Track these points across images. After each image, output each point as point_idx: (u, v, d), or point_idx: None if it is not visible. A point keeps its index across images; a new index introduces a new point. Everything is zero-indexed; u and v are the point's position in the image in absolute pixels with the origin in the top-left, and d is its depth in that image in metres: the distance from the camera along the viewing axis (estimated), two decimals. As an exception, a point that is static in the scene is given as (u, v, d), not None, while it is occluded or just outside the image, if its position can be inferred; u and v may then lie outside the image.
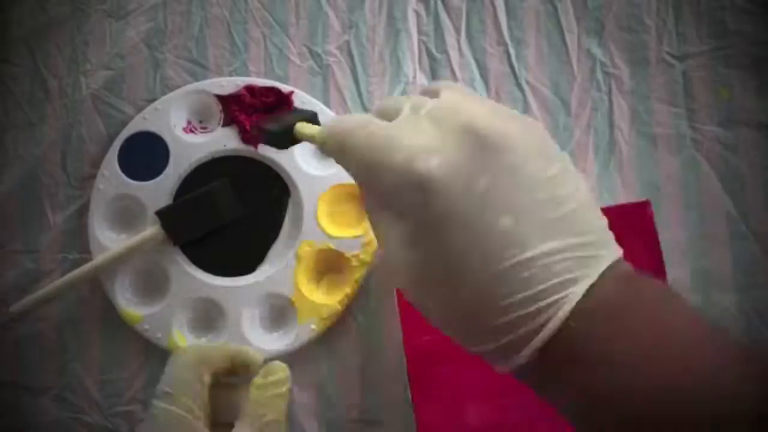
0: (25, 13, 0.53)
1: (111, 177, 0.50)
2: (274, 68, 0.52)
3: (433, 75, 0.52)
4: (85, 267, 0.49)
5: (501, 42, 0.52)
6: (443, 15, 0.52)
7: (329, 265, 0.50)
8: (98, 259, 0.49)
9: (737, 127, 0.50)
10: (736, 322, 0.48)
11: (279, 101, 0.51)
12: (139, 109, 0.52)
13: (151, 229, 0.49)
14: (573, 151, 0.51)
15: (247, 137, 0.50)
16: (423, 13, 0.53)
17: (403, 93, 0.52)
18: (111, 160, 0.50)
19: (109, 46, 0.53)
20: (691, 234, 0.49)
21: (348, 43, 0.52)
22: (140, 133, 0.51)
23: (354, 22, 0.53)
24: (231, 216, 0.50)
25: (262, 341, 0.49)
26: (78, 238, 0.51)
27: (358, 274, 0.49)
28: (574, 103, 0.51)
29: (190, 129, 0.51)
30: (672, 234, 0.49)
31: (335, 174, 0.50)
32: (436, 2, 0.53)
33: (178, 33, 0.53)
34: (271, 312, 0.50)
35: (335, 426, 0.49)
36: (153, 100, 0.52)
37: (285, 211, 0.50)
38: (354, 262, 0.49)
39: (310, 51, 0.53)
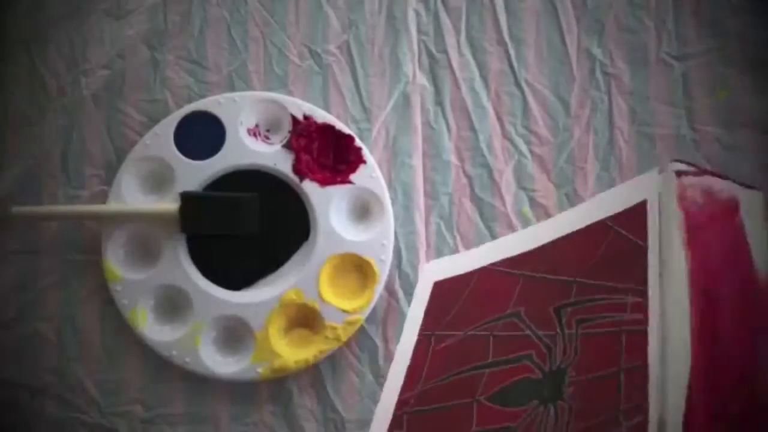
0: (24, 13, 0.53)
1: (161, 138, 0.50)
2: (273, 68, 0.52)
3: (433, 74, 0.52)
4: (93, 207, 0.50)
5: (501, 41, 0.52)
6: (443, 14, 0.52)
7: (306, 321, 0.49)
8: (109, 206, 0.49)
9: (737, 128, 0.50)
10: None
11: (337, 143, 0.50)
12: (139, 110, 0.52)
13: (169, 206, 0.49)
14: (573, 151, 0.51)
15: (297, 168, 0.50)
16: (423, 12, 0.52)
17: (403, 92, 0.52)
18: (169, 125, 0.50)
19: (108, 45, 0.53)
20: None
21: (347, 42, 0.52)
22: (206, 114, 0.50)
23: (354, 21, 0.53)
24: (246, 231, 0.49)
25: (216, 362, 0.48)
26: (77, 239, 0.51)
27: (326, 346, 0.48)
28: (574, 103, 0.51)
29: (254, 133, 0.51)
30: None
31: (360, 243, 0.49)
32: (435, 2, 0.52)
33: (177, 33, 0.53)
34: (227, 335, 0.49)
35: (335, 426, 0.49)
36: (154, 101, 0.52)
37: (293, 253, 0.50)
38: (329, 333, 0.48)
39: (310, 50, 0.52)
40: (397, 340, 0.49)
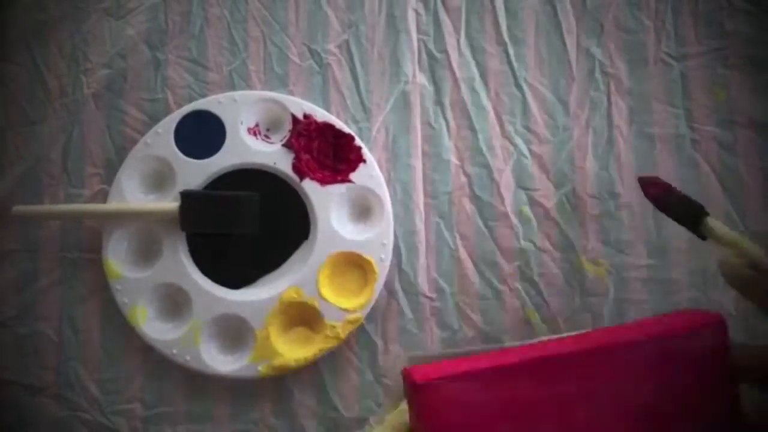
0: (25, 12, 0.53)
1: (162, 137, 0.50)
2: (273, 67, 0.52)
3: (433, 74, 0.52)
4: (93, 206, 0.50)
5: (500, 42, 0.52)
6: (443, 14, 0.53)
7: (306, 319, 0.49)
8: (110, 205, 0.49)
9: (735, 128, 0.50)
10: (735, 322, 0.48)
11: (337, 143, 0.50)
12: (140, 109, 0.52)
13: (169, 204, 0.49)
14: (572, 150, 0.51)
15: (297, 167, 0.50)
16: (422, 12, 0.53)
17: (403, 92, 0.52)
18: (169, 124, 0.50)
19: (109, 45, 0.53)
20: (689, 233, 0.49)
21: (347, 42, 0.53)
22: (206, 113, 0.50)
23: (353, 21, 0.53)
24: (247, 230, 0.49)
25: (216, 361, 0.48)
26: (78, 238, 0.51)
27: (325, 345, 0.48)
28: (573, 103, 0.51)
29: (254, 132, 0.51)
30: (671, 233, 0.49)
31: (360, 242, 0.49)
32: (435, 2, 0.53)
33: (178, 32, 0.53)
34: (227, 334, 0.49)
35: (335, 424, 0.49)
36: (154, 100, 0.52)
37: (294, 251, 0.50)
38: (329, 332, 0.48)
39: (310, 50, 0.53)
40: (397, 339, 0.49)
